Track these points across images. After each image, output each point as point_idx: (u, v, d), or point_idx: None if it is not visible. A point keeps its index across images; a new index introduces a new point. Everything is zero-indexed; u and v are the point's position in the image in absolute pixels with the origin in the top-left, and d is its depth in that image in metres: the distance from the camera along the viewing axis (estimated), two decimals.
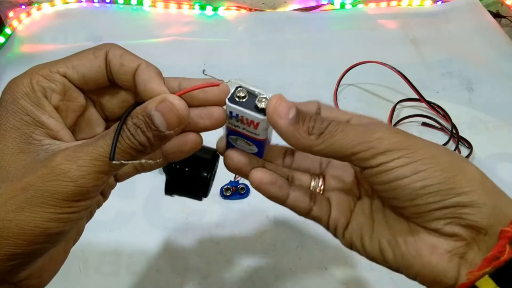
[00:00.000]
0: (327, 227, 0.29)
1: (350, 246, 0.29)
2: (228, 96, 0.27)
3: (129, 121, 0.23)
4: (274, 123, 0.25)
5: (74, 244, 0.27)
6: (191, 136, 0.27)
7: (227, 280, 0.43)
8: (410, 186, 0.24)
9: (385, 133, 0.24)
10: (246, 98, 0.27)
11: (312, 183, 0.30)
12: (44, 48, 0.70)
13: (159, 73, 0.26)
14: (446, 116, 0.59)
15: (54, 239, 0.23)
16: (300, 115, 0.25)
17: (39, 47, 0.70)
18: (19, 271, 0.23)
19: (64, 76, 0.24)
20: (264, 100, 0.26)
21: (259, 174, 0.28)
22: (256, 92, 0.27)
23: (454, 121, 0.58)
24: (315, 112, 0.28)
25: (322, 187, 0.30)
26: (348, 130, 0.25)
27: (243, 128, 0.28)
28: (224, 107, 0.27)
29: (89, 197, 0.23)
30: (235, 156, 0.29)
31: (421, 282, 0.25)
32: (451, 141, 0.56)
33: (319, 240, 0.47)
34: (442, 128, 0.59)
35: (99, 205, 0.29)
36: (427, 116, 0.60)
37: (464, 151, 0.56)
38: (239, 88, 0.27)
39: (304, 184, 0.30)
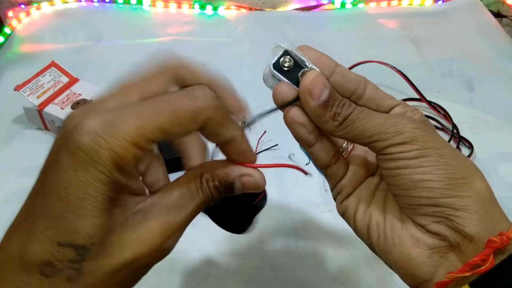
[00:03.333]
0: (332, 188, 0.30)
1: (343, 214, 0.30)
2: (274, 61, 0.26)
3: (209, 181, 0.25)
4: (305, 102, 0.26)
5: None
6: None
7: (227, 280, 0.43)
8: (409, 177, 0.25)
9: (405, 127, 0.25)
10: (291, 67, 0.26)
11: (344, 144, 0.31)
12: (43, 47, 0.70)
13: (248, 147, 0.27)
14: (446, 116, 0.59)
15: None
16: (331, 98, 0.25)
17: (39, 47, 0.70)
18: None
19: (153, 141, 0.21)
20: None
21: (293, 112, 0.27)
22: (303, 62, 0.26)
23: (454, 121, 0.58)
24: (358, 86, 0.28)
25: (350, 150, 0.31)
26: (369, 119, 0.25)
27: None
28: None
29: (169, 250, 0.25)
30: (285, 88, 0.27)
31: (396, 271, 0.26)
32: (451, 141, 0.56)
33: (319, 240, 0.47)
34: (443, 128, 0.59)
35: None
36: (427, 116, 0.60)
37: (465, 151, 0.56)
38: (284, 57, 0.26)
39: (336, 141, 0.30)
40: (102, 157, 0.20)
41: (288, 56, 0.26)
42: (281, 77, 0.26)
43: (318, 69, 0.26)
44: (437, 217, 0.25)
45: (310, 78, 0.25)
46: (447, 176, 0.24)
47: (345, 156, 0.31)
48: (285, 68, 0.26)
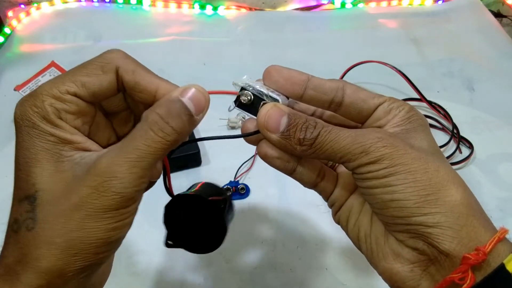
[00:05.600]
0: (326, 200, 0.31)
1: (338, 222, 0.30)
2: (234, 99, 0.28)
3: (157, 109, 0.23)
4: (266, 136, 0.26)
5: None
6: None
7: (227, 280, 0.43)
8: (380, 196, 0.25)
9: (372, 146, 0.25)
10: (252, 100, 0.27)
11: None
12: (43, 47, 0.70)
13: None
14: (447, 116, 0.59)
15: (116, 245, 0.25)
16: (291, 125, 0.25)
17: (39, 47, 0.70)
18: (90, 280, 0.25)
19: (75, 95, 0.24)
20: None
21: (263, 147, 0.27)
22: (261, 94, 0.27)
23: (455, 121, 0.58)
24: (335, 95, 0.27)
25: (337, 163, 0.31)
26: (337, 139, 0.25)
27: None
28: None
29: (136, 199, 0.24)
30: (249, 125, 0.28)
31: (385, 281, 0.27)
32: (452, 141, 0.56)
33: (319, 240, 0.47)
34: (443, 128, 0.59)
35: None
36: (428, 116, 0.60)
37: (465, 151, 0.56)
38: (244, 92, 0.27)
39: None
40: (27, 114, 0.23)
41: (246, 91, 0.27)
42: (245, 113, 0.27)
43: (278, 97, 0.26)
44: (412, 233, 0.24)
45: (264, 112, 0.26)
46: (416, 193, 0.24)
47: (334, 168, 0.31)
48: (247, 103, 0.27)
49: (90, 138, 0.26)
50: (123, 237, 0.25)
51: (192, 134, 0.53)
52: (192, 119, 0.25)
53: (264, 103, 0.26)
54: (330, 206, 0.30)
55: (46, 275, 0.22)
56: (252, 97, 0.27)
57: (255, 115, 0.27)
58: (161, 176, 0.29)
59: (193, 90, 0.25)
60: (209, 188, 0.30)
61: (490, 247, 0.22)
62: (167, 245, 0.29)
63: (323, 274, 0.44)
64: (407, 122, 0.27)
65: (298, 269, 0.44)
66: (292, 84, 0.27)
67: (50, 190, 0.23)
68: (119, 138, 0.29)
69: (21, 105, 0.24)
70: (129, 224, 0.25)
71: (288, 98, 0.28)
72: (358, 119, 0.28)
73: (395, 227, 0.25)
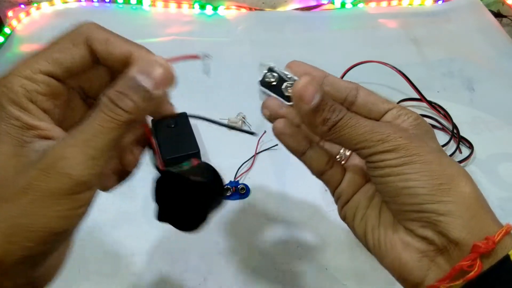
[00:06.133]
0: (332, 193, 0.31)
1: (344, 219, 0.30)
2: (260, 78, 0.29)
3: (108, 92, 0.22)
4: (298, 106, 0.27)
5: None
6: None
7: (227, 280, 0.43)
8: (393, 184, 0.25)
9: (390, 136, 0.25)
10: (276, 82, 0.29)
11: (341, 151, 0.31)
12: None
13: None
14: (447, 116, 0.59)
15: (64, 237, 0.23)
16: (322, 103, 0.26)
17: (39, 47, 0.70)
18: (34, 272, 0.23)
19: (48, 74, 0.23)
20: (290, 87, 0.28)
21: (280, 124, 0.29)
22: (286, 76, 0.28)
23: (455, 121, 0.58)
24: (349, 94, 0.29)
25: (347, 158, 0.31)
26: (357, 126, 0.26)
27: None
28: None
29: (91, 185, 0.22)
30: (272, 103, 0.29)
31: (391, 274, 0.27)
32: (452, 141, 0.56)
33: (319, 240, 0.47)
34: (443, 128, 0.59)
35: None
36: (428, 116, 0.60)
37: (465, 151, 0.56)
38: (268, 73, 0.29)
39: (334, 149, 0.31)
40: None
41: (270, 73, 0.29)
42: (268, 92, 0.29)
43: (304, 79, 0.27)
44: (423, 222, 0.25)
45: (301, 84, 0.26)
46: (431, 182, 0.25)
47: (342, 163, 0.31)
48: (272, 84, 0.29)
49: (64, 123, 0.25)
50: (72, 229, 0.23)
51: (191, 132, 0.53)
52: (149, 95, 0.23)
53: (289, 84, 0.28)
54: (337, 199, 0.31)
55: None
56: (278, 78, 0.28)
57: (278, 95, 0.28)
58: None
59: (152, 63, 0.23)
60: (203, 169, 0.29)
61: (499, 237, 0.23)
62: (158, 218, 0.28)
63: (323, 274, 0.44)
64: (416, 128, 0.28)
65: (298, 269, 0.44)
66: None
67: (3, 173, 0.22)
68: None
69: None
70: (81, 216, 0.23)
71: None
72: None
73: (406, 215, 0.26)
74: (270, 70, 0.29)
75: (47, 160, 0.21)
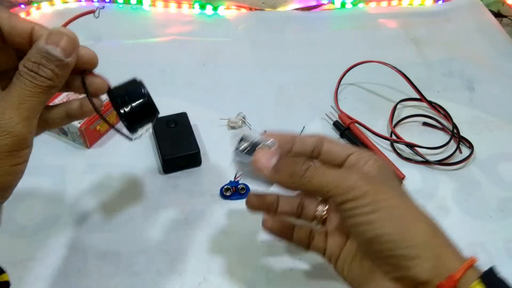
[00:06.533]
0: (323, 257, 0.35)
1: (338, 273, 0.33)
2: (234, 148, 0.33)
3: (26, 63, 0.25)
4: (261, 175, 0.31)
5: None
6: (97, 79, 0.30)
7: (227, 280, 0.43)
8: (366, 233, 0.28)
9: (357, 182, 0.28)
10: (249, 148, 0.33)
11: (319, 207, 0.35)
12: None
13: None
14: (447, 116, 0.59)
15: (6, 194, 0.26)
16: (281, 161, 0.30)
17: None
18: None
19: None
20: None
21: (268, 223, 0.36)
22: (258, 140, 0.33)
23: (455, 121, 0.58)
24: (315, 146, 0.33)
25: (325, 214, 0.35)
26: (326, 173, 0.29)
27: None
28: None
29: (28, 144, 0.26)
30: (254, 200, 0.36)
31: None
32: (452, 141, 0.56)
33: None
34: (443, 128, 0.59)
35: None
36: (428, 116, 0.60)
37: (465, 151, 0.56)
38: (243, 141, 0.33)
39: (311, 211, 0.35)
40: None
41: (242, 140, 0.33)
42: (244, 158, 0.33)
43: (272, 141, 0.33)
44: (395, 267, 0.27)
45: (256, 155, 0.31)
46: (398, 227, 0.27)
47: (321, 221, 0.35)
48: (247, 150, 0.33)
49: None
50: (14, 185, 0.26)
51: (192, 132, 0.53)
52: (63, 63, 0.26)
53: (260, 147, 0.32)
54: (328, 261, 0.34)
55: None
56: (252, 144, 0.33)
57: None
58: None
59: (57, 34, 0.26)
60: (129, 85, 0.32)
61: (460, 274, 0.25)
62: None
63: (323, 274, 0.44)
64: (377, 170, 0.30)
65: (298, 269, 0.44)
66: (282, 142, 0.33)
67: None
68: None
69: None
70: (22, 172, 0.26)
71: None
72: (333, 167, 0.32)
73: (380, 261, 0.28)
74: (244, 138, 0.33)
75: None
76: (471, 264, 0.26)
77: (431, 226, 0.28)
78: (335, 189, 0.28)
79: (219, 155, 0.54)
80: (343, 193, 0.28)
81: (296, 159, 0.30)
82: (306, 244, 0.35)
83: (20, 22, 0.27)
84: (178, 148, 0.51)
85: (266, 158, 0.31)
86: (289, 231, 0.35)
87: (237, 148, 0.33)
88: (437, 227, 0.28)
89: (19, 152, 0.25)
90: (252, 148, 0.33)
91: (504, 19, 0.84)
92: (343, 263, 0.32)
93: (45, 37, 0.26)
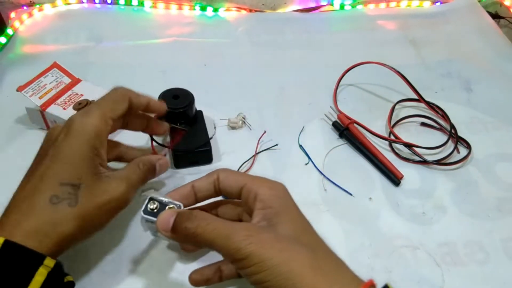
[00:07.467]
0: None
1: None
2: (142, 208, 0.35)
3: (140, 164, 0.40)
4: (163, 235, 0.34)
5: None
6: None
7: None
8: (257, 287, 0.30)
9: (242, 243, 0.29)
10: (158, 208, 0.35)
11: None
12: (45, 48, 0.71)
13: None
14: (445, 116, 0.60)
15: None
16: (176, 223, 0.32)
17: (41, 48, 0.71)
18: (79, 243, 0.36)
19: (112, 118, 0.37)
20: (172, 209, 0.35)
21: (197, 276, 0.38)
22: (165, 202, 0.35)
23: (453, 121, 0.59)
24: (214, 184, 0.37)
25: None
26: (216, 231, 0.31)
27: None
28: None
29: (126, 204, 0.38)
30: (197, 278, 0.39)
31: None
32: (449, 141, 0.57)
33: None
34: (441, 128, 0.59)
35: None
36: (426, 116, 0.61)
37: (463, 151, 0.56)
38: (150, 202, 0.35)
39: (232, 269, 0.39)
40: (86, 128, 0.35)
41: (154, 201, 0.35)
42: (152, 218, 0.35)
43: (178, 203, 0.35)
44: None
45: (159, 218, 0.34)
46: (285, 284, 0.28)
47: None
48: (154, 211, 0.35)
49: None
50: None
51: (205, 130, 0.53)
52: (154, 172, 0.41)
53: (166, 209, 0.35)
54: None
55: (63, 237, 0.33)
56: (159, 205, 0.35)
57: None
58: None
59: (162, 160, 0.42)
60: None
61: None
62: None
63: None
64: (273, 200, 0.33)
65: None
66: (186, 198, 0.37)
67: (90, 185, 0.35)
68: None
69: (80, 120, 0.36)
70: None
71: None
72: (236, 197, 0.36)
73: None
74: (152, 199, 0.35)
75: (117, 191, 0.36)
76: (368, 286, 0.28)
77: (318, 274, 0.29)
78: (224, 249, 0.30)
79: (219, 155, 0.55)
80: (231, 254, 0.30)
81: (191, 215, 0.32)
82: (219, 276, 0.38)
83: (141, 97, 0.41)
84: (190, 144, 0.51)
85: (166, 220, 0.33)
86: (216, 276, 0.38)
87: (145, 209, 0.35)
88: (316, 258, 0.30)
89: (120, 210, 0.37)
90: (162, 208, 0.35)
91: (502, 21, 0.85)
92: None
93: (157, 159, 0.42)
